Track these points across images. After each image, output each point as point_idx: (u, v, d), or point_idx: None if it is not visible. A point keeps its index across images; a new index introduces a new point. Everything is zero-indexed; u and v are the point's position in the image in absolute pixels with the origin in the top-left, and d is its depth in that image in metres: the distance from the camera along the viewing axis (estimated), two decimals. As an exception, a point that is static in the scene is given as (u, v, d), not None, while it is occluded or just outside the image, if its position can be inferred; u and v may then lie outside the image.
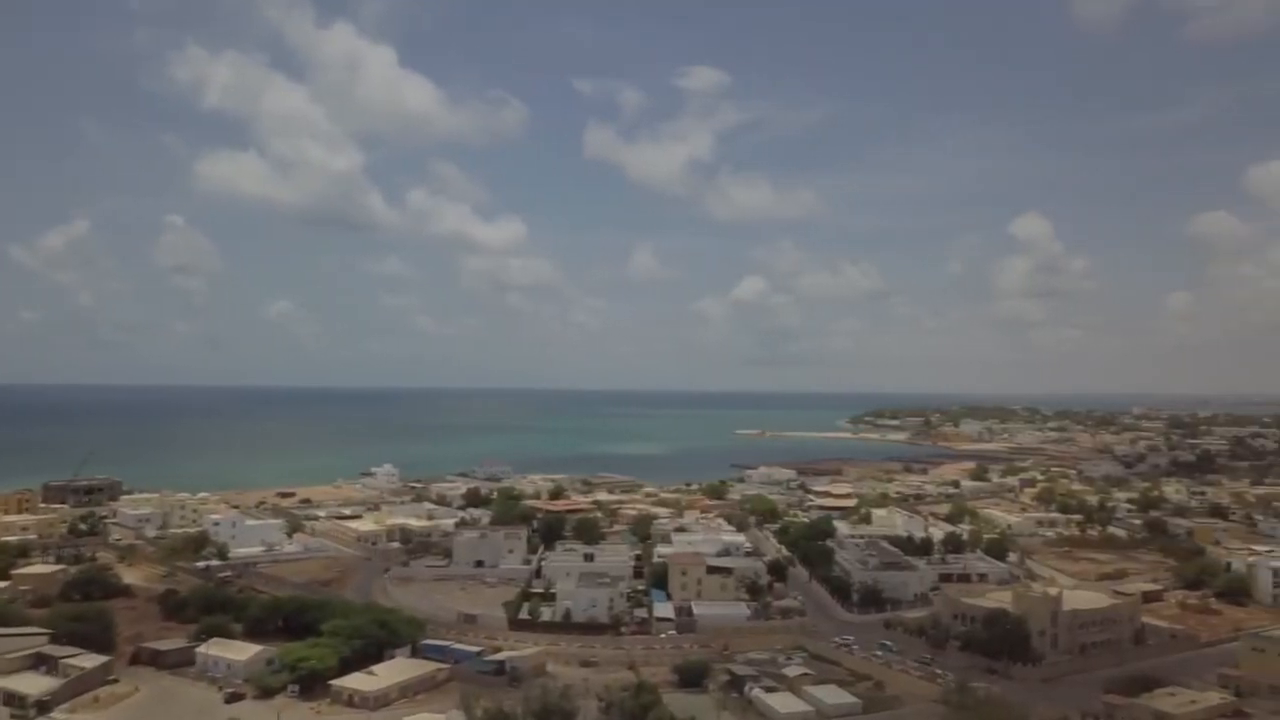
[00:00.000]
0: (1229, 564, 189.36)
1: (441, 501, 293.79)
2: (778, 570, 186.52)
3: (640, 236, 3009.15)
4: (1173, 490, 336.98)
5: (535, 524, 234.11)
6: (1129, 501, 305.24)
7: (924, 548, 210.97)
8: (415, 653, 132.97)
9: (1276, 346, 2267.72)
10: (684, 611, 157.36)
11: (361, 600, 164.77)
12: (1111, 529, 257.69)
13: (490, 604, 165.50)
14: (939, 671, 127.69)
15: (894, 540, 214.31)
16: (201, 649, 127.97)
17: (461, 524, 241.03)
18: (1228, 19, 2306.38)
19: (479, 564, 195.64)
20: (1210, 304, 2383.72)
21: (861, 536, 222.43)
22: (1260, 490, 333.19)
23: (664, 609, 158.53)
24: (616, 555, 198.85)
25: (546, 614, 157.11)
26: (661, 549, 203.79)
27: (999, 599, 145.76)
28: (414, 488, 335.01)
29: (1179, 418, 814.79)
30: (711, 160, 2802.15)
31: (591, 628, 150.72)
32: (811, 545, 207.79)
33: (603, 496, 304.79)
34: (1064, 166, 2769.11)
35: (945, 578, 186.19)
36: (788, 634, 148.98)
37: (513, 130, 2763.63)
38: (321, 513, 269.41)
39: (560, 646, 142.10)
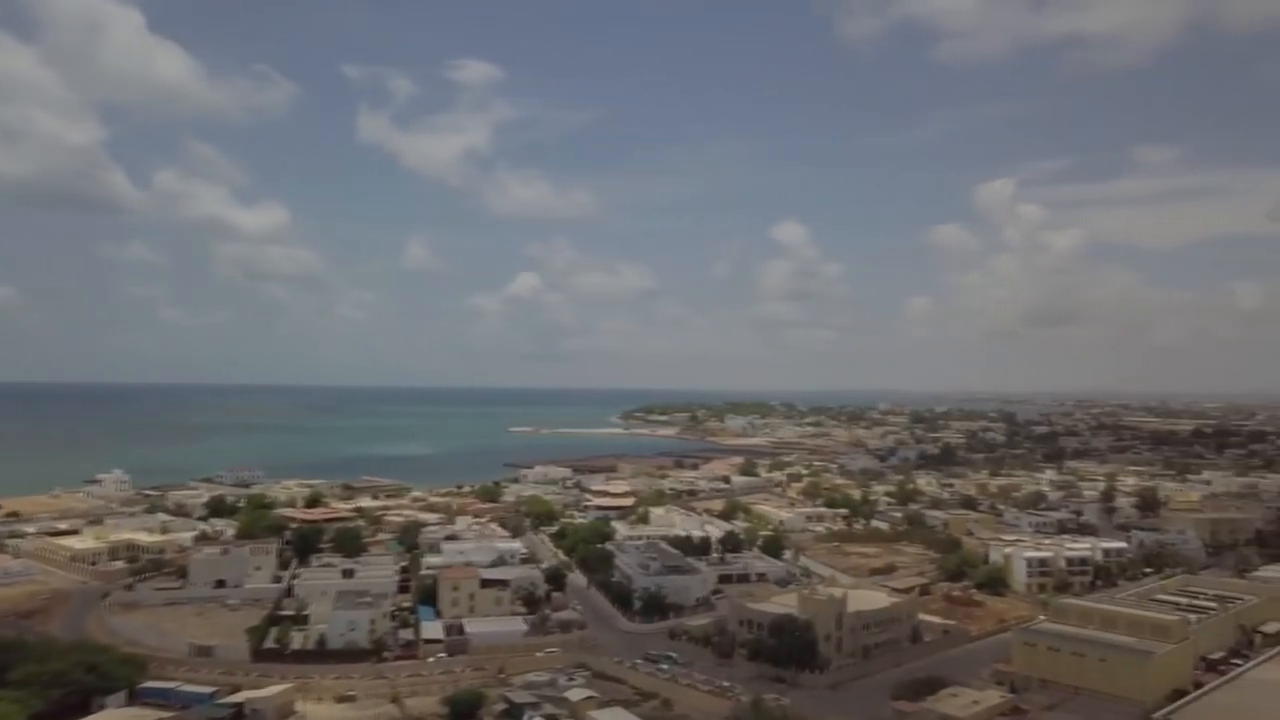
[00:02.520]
0: (987, 555, 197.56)
1: (180, 512, 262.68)
2: (556, 578, 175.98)
3: (413, 228, 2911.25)
4: (925, 483, 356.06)
5: (288, 536, 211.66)
6: (888, 495, 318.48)
7: (703, 548, 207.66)
8: (133, 699, 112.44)
9: (998, 349, 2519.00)
10: (455, 630, 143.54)
11: (71, 635, 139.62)
12: (875, 522, 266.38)
13: (231, 632, 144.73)
14: (727, 684, 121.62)
15: (673, 541, 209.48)
16: None
17: (202, 538, 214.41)
18: (971, 44, 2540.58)
19: (220, 584, 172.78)
20: (944, 309, 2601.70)
21: (641, 538, 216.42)
22: (1000, 481, 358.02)
23: (433, 628, 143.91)
24: (380, 569, 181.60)
25: (298, 640, 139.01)
26: (430, 560, 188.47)
27: (783, 602, 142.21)
28: (148, 496, 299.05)
29: (919, 413, 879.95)
30: (488, 153, 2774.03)
31: (350, 654, 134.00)
32: (590, 549, 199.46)
33: (366, 503, 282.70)
34: (821, 176, 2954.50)
35: (725, 579, 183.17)
36: (568, 650, 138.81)
37: (278, 110, 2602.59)
38: (31, 529, 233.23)
39: (313, 679, 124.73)
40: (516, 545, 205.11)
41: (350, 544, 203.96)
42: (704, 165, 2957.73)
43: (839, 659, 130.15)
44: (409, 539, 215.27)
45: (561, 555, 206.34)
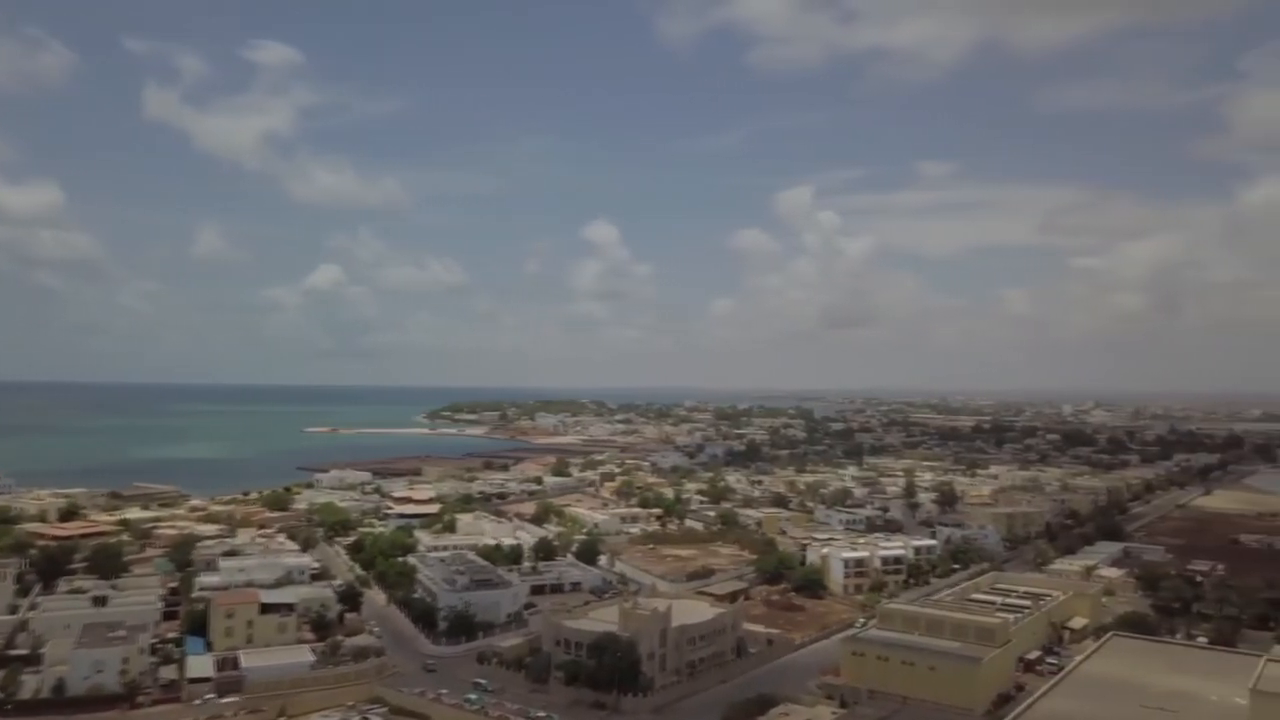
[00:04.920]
0: (804, 556, 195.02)
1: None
2: (350, 597, 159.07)
3: (206, 214, 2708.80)
4: (735, 480, 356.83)
5: (32, 556, 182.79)
6: (700, 493, 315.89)
7: (514, 556, 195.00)
8: None
9: (795, 348, 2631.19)
10: (228, 665, 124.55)
11: None
12: (690, 522, 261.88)
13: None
14: (543, 714, 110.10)
15: (482, 550, 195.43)
16: None
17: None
18: (784, 50, 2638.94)
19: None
20: (746, 310, 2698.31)
21: (447, 548, 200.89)
22: (806, 478, 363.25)
23: (201, 664, 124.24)
24: (141, 594, 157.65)
25: (29, 687, 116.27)
26: (205, 580, 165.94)
27: (602, 618, 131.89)
28: None
29: (723, 410, 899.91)
30: (290, 138, 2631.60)
31: (96, 701, 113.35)
32: (390, 563, 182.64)
33: (135, 514, 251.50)
34: (635, 176, 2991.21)
35: (538, 589, 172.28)
36: (362, 682, 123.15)
37: (52, 79, 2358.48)
38: None
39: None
40: (306, 560, 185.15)
41: (109, 564, 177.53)
42: (517, 160, 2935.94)
43: (663, 678, 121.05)
44: (181, 556, 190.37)
45: (358, 570, 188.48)
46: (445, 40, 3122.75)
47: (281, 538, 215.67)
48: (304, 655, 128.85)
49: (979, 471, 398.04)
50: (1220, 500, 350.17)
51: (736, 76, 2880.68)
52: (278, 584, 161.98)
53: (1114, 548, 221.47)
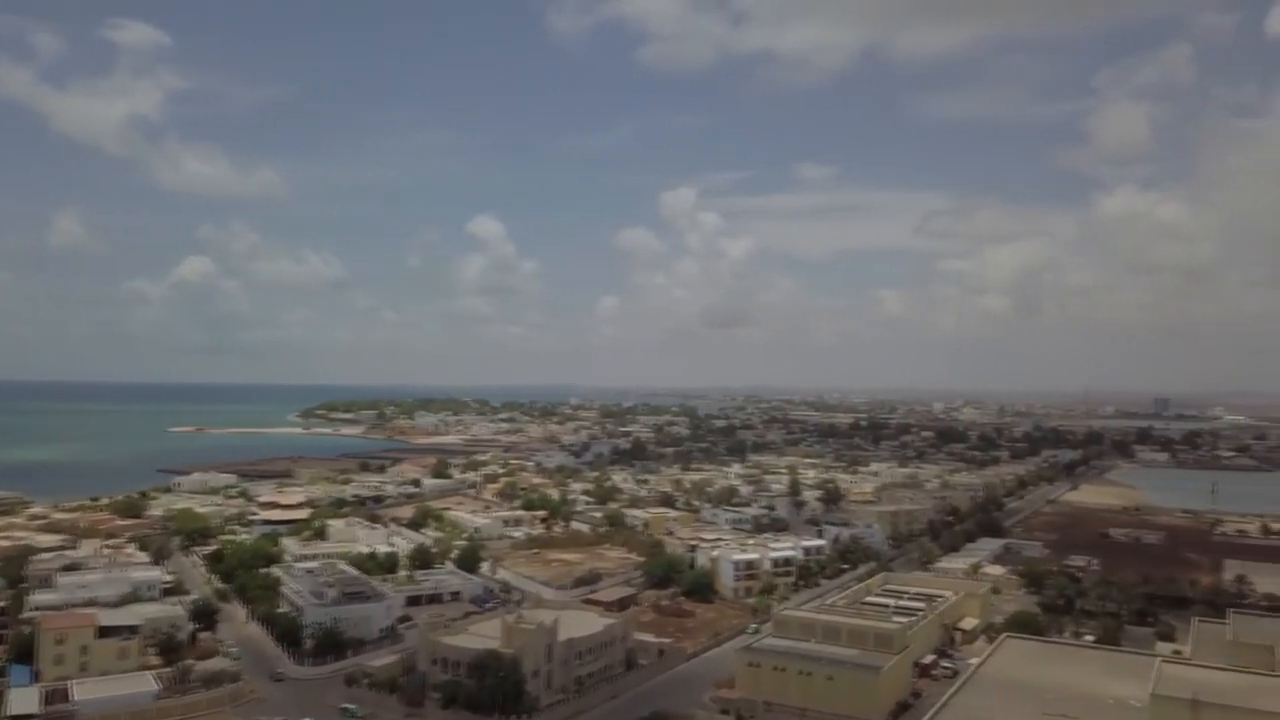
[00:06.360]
0: (693, 559, 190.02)
1: None
2: (206, 614, 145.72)
3: (64, 201, 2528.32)
4: (621, 479, 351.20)
5: None
6: (586, 493, 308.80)
7: (389, 565, 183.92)
8: None
9: (678, 347, 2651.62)
10: (57, 697, 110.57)
11: None
12: (575, 524, 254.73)
13: None
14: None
15: (355, 559, 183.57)
16: None
17: None
18: (674, 49, 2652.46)
19: None
20: (630, 308, 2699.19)
21: (316, 557, 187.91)
22: (692, 476, 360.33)
23: (25, 698, 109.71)
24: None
25: None
26: (40, 598, 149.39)
27: (484, 633, 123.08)
28: None
29: (609, 408, 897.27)
30: (158, 122, 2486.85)
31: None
32: (252, 575, 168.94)
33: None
34: (521, 172, 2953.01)
35: (414, 600, 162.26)
36: (214, 711, 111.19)
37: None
38: None
39: None
40: (158, 574, 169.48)
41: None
42: (401, 153, 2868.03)
43: (549, 696, 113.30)
44: (13, 570, 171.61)
45: (217, 583, 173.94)
46: (325, 28, 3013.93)
47: (131, 548, 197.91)
48: (146, 684, 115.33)
49: (860, 469, 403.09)
50: (1087, 495, 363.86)
51: (626, 74, 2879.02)
52: (123, 601, 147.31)
53: (995, 544, 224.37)
